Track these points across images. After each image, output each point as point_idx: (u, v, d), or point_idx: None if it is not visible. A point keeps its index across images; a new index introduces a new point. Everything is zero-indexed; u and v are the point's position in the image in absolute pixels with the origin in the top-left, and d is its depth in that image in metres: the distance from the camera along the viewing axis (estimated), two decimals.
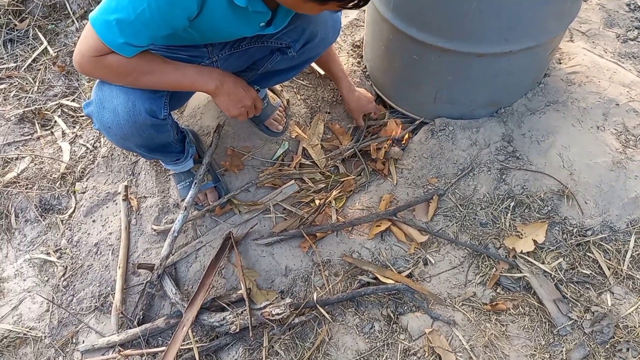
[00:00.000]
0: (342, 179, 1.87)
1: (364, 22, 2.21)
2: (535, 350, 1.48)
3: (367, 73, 2.08)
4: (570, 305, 1.55)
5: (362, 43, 2.17)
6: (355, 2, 1.10)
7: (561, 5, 1.54)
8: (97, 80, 1.32)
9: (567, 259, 1.61)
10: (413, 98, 1.88)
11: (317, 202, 1.80)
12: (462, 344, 1.50)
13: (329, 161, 1.92)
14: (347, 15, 2.30)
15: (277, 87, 2.05)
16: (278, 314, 1.49)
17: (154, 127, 1.36)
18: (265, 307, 1.52)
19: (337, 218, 1.76)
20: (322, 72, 2.07)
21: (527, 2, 1.43)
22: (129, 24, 1.10)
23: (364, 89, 2.02)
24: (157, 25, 1.14)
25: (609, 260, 1.60)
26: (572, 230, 1.64)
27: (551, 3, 1.49)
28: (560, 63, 1.96)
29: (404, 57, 1.75)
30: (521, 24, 1.50)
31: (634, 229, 1.63)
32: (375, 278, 1.63)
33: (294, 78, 2.03)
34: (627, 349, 1.46)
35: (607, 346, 1.47)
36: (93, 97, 1.32)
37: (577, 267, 1.60)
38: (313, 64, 2.02)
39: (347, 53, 2.16)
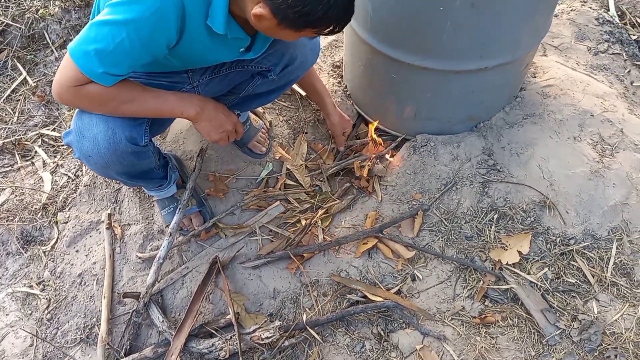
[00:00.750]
0: (327, 200, 1.87)
1: (342, 43, 2.25)
2: None
3: (347, 92, 2.11)
4: (557, 314, 1.56)
5: (342, 63, 2.20)
6: (330, 29, 1.13)
7: (534, 22, 1.59)
8: (77, 110, 1.32)
9: (552, 268, 1.63)
10: (394, 115, 1.91)
11: (303, 222, 1.80)
12: (453, 359, 1.50)
13: (313, 180, 1.93)
14: (326, 37, 2.34)
15: (260, 109, 2.07)
16: (267, 338, 1.47)
17: (135, 154, 1.36)
18: (254, 331, 1.50)
19: (324, 237, 1.77)
20: (304, 93, 2.09)
21: (500, 20, 1.48)
22: (108, 54, 1.11)
23: (343, 109, 2.04)
24: (137, 54, 1.15)
25: (593, 268, 1.62)
26: (555, 239, 1.67)
27: (524, 20, 1.54)
28: (535, 77, 2.01)
29: (383, 76, 1.78)
30: (495, 41, 1.54)
31: (615, 236, 1.66)
32: (364, 296, 1.63)
33: (275, 100, 2.04)
34: (615, 356, 1.47)
35: (595, 354, 1.48)
36: (73, 126, 1.31)
37: (562, 276, 1.62)
38: (294, 86, 2.04)
39: (328, 73, 2.19)
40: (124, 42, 1.09)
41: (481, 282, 1.63)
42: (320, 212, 1.82)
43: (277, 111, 2.11)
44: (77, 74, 1.13)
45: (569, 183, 1.72)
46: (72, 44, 1.12)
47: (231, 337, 1.50)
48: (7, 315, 1.72)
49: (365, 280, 1.68)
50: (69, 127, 1.34)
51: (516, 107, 1.90)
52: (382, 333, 1.58)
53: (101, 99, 1.21)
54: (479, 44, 1.54)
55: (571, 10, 2.34)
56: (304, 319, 1.57)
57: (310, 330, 1.56)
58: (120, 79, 1.19)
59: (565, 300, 1.58)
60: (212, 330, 1.55)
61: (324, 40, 2.31)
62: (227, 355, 1.48)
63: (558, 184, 1.72)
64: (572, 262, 1.64)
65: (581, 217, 1.69)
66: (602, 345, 1.49)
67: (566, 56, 2.15)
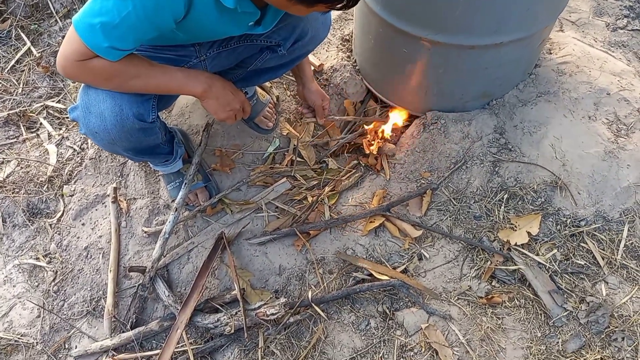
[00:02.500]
0: (334, 177, 1.85)
1: (353, 15, 2.19)
2: (531, 342, 1.48)
3: (357, 67, 2.06)
4: (565, 296, 1.54)
5: (352, 37, 2.14)
6: (344, 3, 1.08)
7: None
8: (83, 85, 1.29)
9: (561, 250, 1.61)
10: (404, 91, 1.86)
11: (309, 199, 1.78)
12: (459, 338, 1.50)
13: (320, 157, 1.90)
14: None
15: (267, 83, 2.03)
16: (273, 314, 1.47)
17: (142, 130, 1.34)
18: (259, 307, 1.50)
19: (331, 215, 1.75)
20: (312, 68, 2.04)
21: None
22: (113, 28, 1.07)
23: (352, 84, 1.99)
24: (143, 28, 1.11)
25: (603, 250, 1.60)
26: (566, 221, 1.64)
27: None
28: (551, 53, 1.95)
29: (393, 51, 1.73)
30: (511, 15, 1.48)
31: (627, 218, 1.63)
32: (370, 274, 1.62)
33: (283, 74, 2.00)
34: (622, 338, 1.46)
35: (602, 336, 1.47)
36: (79, 101, 1.28)
37: (571, 258, 1.60)
38: None
39: (337, 47, 2.13)
40: (130, 16, 1.06)
41: (489, 262, 1.62)
42: (327, 189, 1.80)
43: (284, 86, 2.07)
44: (82, 47, 1.10)
45: (582, 163, 1.68)
46: (76, 16, 1.09)
47: (236, 313, 1.50)
48: (14, 286, 1.73)
49: (371, 258, 1.67)
50: (75, 102, 1.32)
51: (530, 85, 1.85)
52: (387, 311, 1.57)
53: (107, 74, 1.18)
54: (495, 18, 1.48)
55: None
56: (310, 296, 1.56)
57: (315, 307, 1.55)
58: (126, 54, 1.15)
59: (573, 282, 1.57)
60: (218, 306, 1.56)
61: (333, 13, 2.25)
62: (232, 331, 1.49)
63: (571, 164, 1.69)
64: (582, 244, 1.62)
65: (593, 198, 1.66)
66: (609, 327, 1.48)
67: (583, 32, 2.08)
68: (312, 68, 2.05)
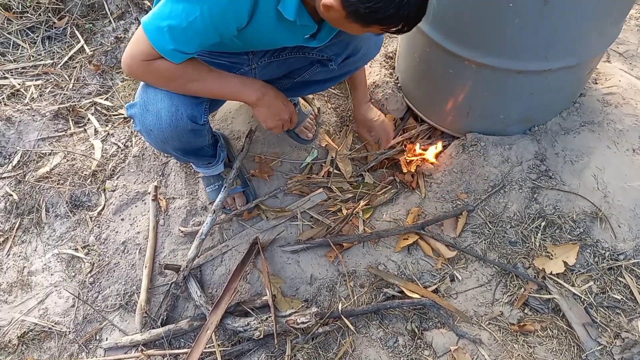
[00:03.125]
0: (370, 191, 1.86)
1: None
2: None
3: (398, 85, 2.08)
4: (599, 330, 1.51)
5: (395, 54, 2.17)
6: (399, 28, 1.10)
7: (603, 25, 1.52)
8: (142, 83, 1.34)
9: (598, 282, 1.58)
10: (445, 112, 1.87)
11: (344, 211, 1.79)
12: None
13: (356, 171, 1.92)
14: None
15: (309, 95, 2.06)
16: (303, 323, 1.48)
17: (193, 132, 1.38)
18: (290, 315, 1.51)
19: (364, 229, 1.76)
20: None
21: (569, 20, 1.42)
22: (180, 31, 1.11)
23: (393, 102, 2.01)
24: (208, 33, 1.15)
25: None
26: (604, 253, 1.61)
27: (594, 23, 1.47)
28: (597, 83, 1.93)
29: (438, 71, 1.74)
30: (561, 41, 1.48)
31: None
32: (401, 292, 1.62)
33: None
34: None
35: None
36: (137, 99, 1.33)
37: (607, 292, 1.57)
38: None
39: (380, 64, 2.16)
40: (197, 21, 1.10)
41: (522, 289, 1.60)
42: (362, 203, 1.81)
43: (325, 98, 2.10)
44: (149, 48, 1.15)
45: (624, 196, 1.66)
46: (146, 17, 1.14)
47: (267, 318, 1.52)
48: (52, 275, 1.79)
49: (403, 275, 1.66)
50: (123, 98, 1.37)
51: (574, 113, 1.83)
52: (416, 330, 1.56)
53: (169, 76, 1.23)
54: (545, 44, 1.48)
55: None
56: (340, 307, 1.57)
57: (344, 319, 1.56)
58: (188, 57, 1.20)
59: (609, 316, 1.53)
60: (249, 310, 1.57)
61: None
62: (262, 336, 1.50)
63: (612, 196, 1.66)
64: (619, 278, 1.59)
65: (634, 232, 1.63)
66: None
67: (631, 64, 2.05)
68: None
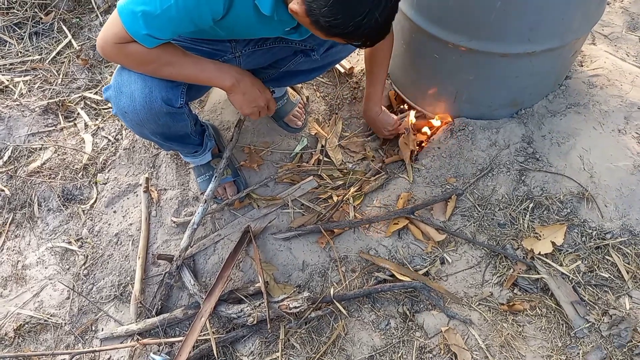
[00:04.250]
0: (359, 178, 1.87)
1: None
2: (551, 352, 1.48)
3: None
4: (587, 307, 1.54)
5: None
6: (359, 44, 1.12)
7: (586, 7, 1.54)
8: (118, 67, 1.35)
9: (586, 261, 1.61)
10: (433, 97, 1.88)
11: (335, 198, 1.81)
12: (478, 343, 1.50)
13: (346, 159, 1.93)
14: None
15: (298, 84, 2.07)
16: (295, 307, 1.50)
17: (169, 115, 1.38)
18: (282, 300, 1.53)
19: (355, 215, 1.77)
20: (342, 70, 2.09)
21: (552, 2, 1.43)
22: (154, 18, 1.12)
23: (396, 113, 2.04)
24: (182, 22, 1.16)
25: (628, 264, 1.59)
26: (591, 233, 1.64)
27: (576, 4, 1.49)
28: (582, 66, 1.95)
29: (425, 56, 1.76)
30: (545, 24, 1.50)
31: None
32: (392, 275, 1.64)
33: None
34: None
35: (624, 350, 1.46)
36: (112, 82, 1.35)
37: (595, 270, 1.59)
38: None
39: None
40: (171, 9, 1.11)
41: (511, 270, 1.62)
42: (353, 189, 1.83)
43: (314, 87, 2.11)
44: (122, 31, 1.16)
45: (610, 176, 1.68)
46: (121, 1, 1.14)
47: (260, 304, 1.53)
48: (46, 268, 1.80)
49: (394, 259, 1.68)
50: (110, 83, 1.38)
51: (560, 96, 1.85)
52: (407, 313, 1.59)
53: (141, 59, 1.24)
54: (528, 26, 1.50)
55: None
56: (332, 292, 1.59)
57: (337, 303, 1.58)
58: (162, 42, 1.21)
59: (596, 295, 1.56)
60: (242, 297, 1.59)
61: None
62: (255, 322, 1.52)
63: (598, 177, 1.68)
64: (607, 257, 1.61)
65: (620, 211, 1.65)
66: (632, 341, 1.47)
67: (616, 46, 2.07)
68: (343, 71, 2.09)
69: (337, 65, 2.08)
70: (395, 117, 1.92)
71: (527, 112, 1.83)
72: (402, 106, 2.06)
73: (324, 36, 1.11)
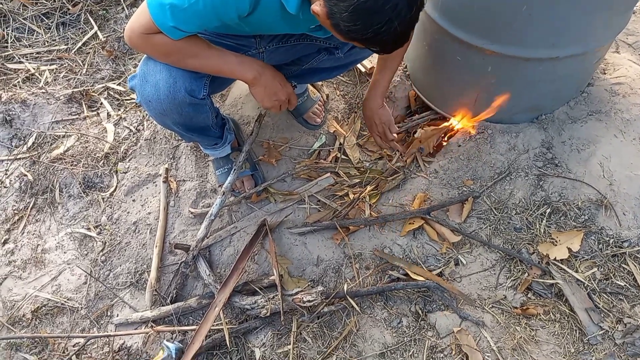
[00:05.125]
0: (377, 177, 1.88)
1: None
2: (564, 357, 1.47)
3: (407, 72, 2.10)
4: (602, 315, 1.53)
5: None
6: (377, 49, 1.13)
7: (611, 14, 1.54)
8: (144, 57, 1.37)
9: (602, 269, 1.60)
10: (453, 99, 1.89)
11: (351, 196, 1.82)
12: (490, 345, 1.50)
13: (363, 157, 1.94)
14: None
15: (319, 82, 2.08)
16: (309, 301, 1.51)
17: (192, 106, 1.40)
18: (296, 293, 1.54)
19: (371, 213, 1.78)
20: (363, 70, 2.10)
21: (577, 9, 1.43)
22: (181, 11, 1.15)
23: (401, 89, 2.03)
24: (208, 17, 1.18)
25: None
26: (609, 240, 1.63)
27: (601, 11, 1.48)
28: (605, 73, 1.94)
29: (447, 58, 1.76)
30: (570, 30, 1.50)
31: None
32: (406, 274, 1.64)
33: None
34: None
35: (638, 358, 1.45)
36: (138, 71, 1.37)
37: (611, 278, 1.59)
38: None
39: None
40: (198, 3, 1.13)
41: (526, 274, 1.62)
42: (369, 188, 1.84)
43: (334, 85, 2.13)
44: (149, 22, 1.18)
45: (629, 184, 1.67)
46: None
47: (274, 297, 1.55)
48: (64, 253, 1.83)
49: (408, 259, 1.69)
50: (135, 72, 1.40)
51: (582, 102, 1.84)
52: (420, 312, 1.59)
53: (167, 50, 1.27)
54: (553, 31, 1.50)
55: None
56: (345, 288, 1.60)
57: (350, 299, 1.59)
58: (187, 35, 1.23)
59: (611, 302, 1.55)
60: (256, 288, 1.61)
61: None
62: (268, 313, 1.54)
63: (618, 184, 1.68)
64: (623, 265, 1.60)
65: (639, 220, 1.64)
66: None
67: None
68: (364, 70, 2.10)
69: (358, 65, 2.09)
70: (392, 119, 1.83)
71: (547, 118, 1.83)
72: (415, 115, 2.05)
73: (343, 39, 1.12)
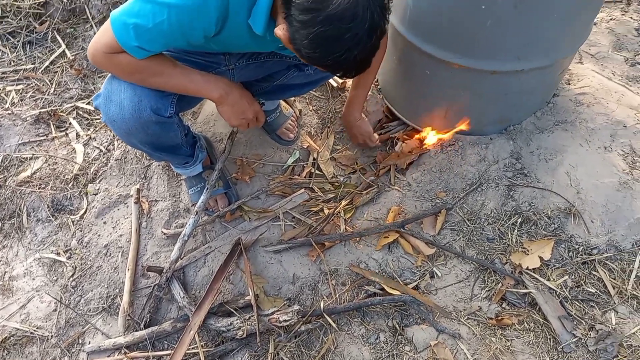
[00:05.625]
0: (351, 192, 1.89)
1: None
2: None
3: (378, 87, 2.11)
4: (575, 322, 1.56)
5: None
6: (340, 75, 1.15)
7: (574, 27, 1.58)
8: (109, 75, 1.36)
9: (573, 276, 1.63)
10: (423, 112, 1.91)
11: (326, 211, 1.82)
12: (467, 358, 1.51)
13: (337, 172, 1.95)
14: None
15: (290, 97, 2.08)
16: (285, 321, 1.50)
17: (159, 124, 1.39)
18: (272, 313, 1.53)
19: (346, 228, 1.78)
20: (335, 85, 2.11)
21: (540, 23, 1.47)
22: (145, 31, 1.14)
23: (372, 103, 2.04)
24: (173, 37, 1.18)
25: (614, 279, 1.61)
26: (578, 248, 1.66)
27: (564, 25, 1.52)
28: (569, 84, 1.99)
29: (416, 72, 1.78)
30: (534, 43, 1.53)
31: (639, 249, 1.64)
32: (382, 289, 1.64)
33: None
34: None
35: None
36: (102, 90, 1.35)
37: (582, 285, 1.61)
38: None
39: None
40: (163, 24, 1.12)
41: (500, 284, 1.64)
42: (344, 203, 1.84)
43: (307, 100, 2.13)
44: (113, 42, 1.16)
45: (596, 192, 1.71)
46: (115, 12, 1.16)
47: (249, 317, 1.53)
48: (33, 279, 1.78)
49: (384, 273, 1.69)
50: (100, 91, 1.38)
51: (548, 113, 1.88)
52: (397, 327, 1.59)
53: (130, 69, 1.25)
54: (518, 45, 1.53)
55: (610, 19, 2.31)
56: (322, 306, 1.59)
57: (327, 317, 1.58)
58: (151, 54, 1.22)
59: (583, 309, 1.58)
60: (232, 310, 1.59)
61: None
62: (244, 335, 1.51)
63: (585, 193, 1.71)
64: (593, 272, 1.63)
65: (606, 227, 1.68)
66: (618, 356, 1.49)
67: (602, 65, 2.12)
68: (335, 85, 2.11)
69: (330, 80, 2.10)
70: (371, 130, 1.93)
71: (515, 129, 1.86)
72: (389, 124, 2.07)
73: (305, 60, 1.13)
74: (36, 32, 2.39)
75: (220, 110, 1.45)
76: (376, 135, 1.94)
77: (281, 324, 1.51)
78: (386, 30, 1.11)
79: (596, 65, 2.10)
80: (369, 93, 2.07)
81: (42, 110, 2.15)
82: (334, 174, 1.94)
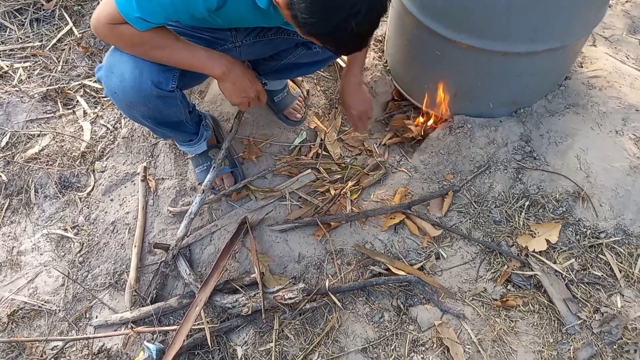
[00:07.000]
0: (357, 173, 1.88)
1: (387, 16, 2.22)
2: (543, 347, 1.49)
3: (387, 67, 2.09)
4: (579, 305, 1.55)
5: (385, 38, 2.18)
6: (334, 49, 1.12)
7: (588, 9, 1.55)
8: (111, 47, 1.35)
9: (579, 260, 1.62)
10: (433, 94, 1.89)
11: (332, 192, 1.82)
12: (471, 337, 1.52)
13: (344, 153, 1.94)
14: None
15: (298, 77, 2.07)
16: (290, 298, 1.51)
17: (160, 98, 1.37)
18: (278, 291, 1.54)
19: (352, 209, 1.78)
20: (344, 65, 2.09)
21: (555, 4, 1.44)
22: (147, 2, 1.13)
23: (382, 84, 2.03)
24: (174, 9, 1.16)
25: (621, 263, 1.61)
26: (586, 231, 1.65)
27: (578, 6, 1.50)
28: (582, 67, 1.96)
29: (426, 53, 1.76)
30: (547, 24, 1.51)
31: None
32: (387, 269, 1.65)
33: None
34: (635, 351, 1.46)
35: (614, 347, 1.48)
36: (104, 62, 1.35)
37: (588, 269, 1.61)
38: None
39: (369, 47, 2.17)
40: None
41: (505, 266, 1.63)
42: (350, 183, 1.84)
43: (315, 80, 2.11)
44: (115, 12, 1.16)
45: (606, 176, 1.69)
46: None
47: (255, 295, 1.54)
48: (41, 254, 1.80)
49: (389, 253, 1.69)
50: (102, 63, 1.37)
51: (559, 96, 1.86)
52: (401, 306, 1.59)
53: (132, 41, 1.24)
54: (531, 26, 1.51)
55: (626, 2, 2.26)
56: (327, 284, 1.60)
57: (331, 295, 1.59)
58: (154, 26, 1.21)
59: (589, 292, 1.57)
60: (237, 287, 1.60)
61: None
62: (250, 312, 1.53)
63: (595, 177, 1.70)
64: (600, 256, 1.63)
65: (615, 211, 1.66)
66: (622, 339, 1.49)
67: (616, 48, 2.08)
68: (344, 65, 2.09)
69: (338, 60, 2.08)
70: (372, 99, 1.77)
71: (526, 111, 1.84)
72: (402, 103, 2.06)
73: (301, 33, 1.10)
74: (43, 10, 2.38)
75: (222, 87, 1.44)
76: (373, 113, 1.81)
77: (286, 302, 1.51)
78: (388, 7, 1.09)
79: (610, 48, 2.07)
80: (377, 74, 2.05)
81: (50, 87, 2.15)
82: (340, 155, 1.93)
